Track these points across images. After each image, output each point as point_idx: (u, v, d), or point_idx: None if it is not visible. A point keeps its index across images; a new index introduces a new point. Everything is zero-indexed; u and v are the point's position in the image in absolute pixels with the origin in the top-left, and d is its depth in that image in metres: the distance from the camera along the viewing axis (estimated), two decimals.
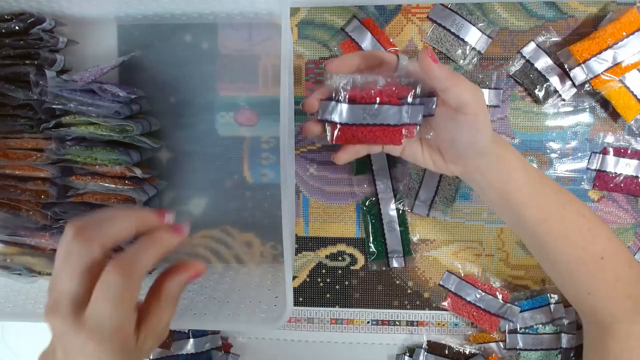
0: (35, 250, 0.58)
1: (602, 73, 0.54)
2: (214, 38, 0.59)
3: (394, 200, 0.59)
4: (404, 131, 0.41)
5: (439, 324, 0.61)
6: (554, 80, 0.57)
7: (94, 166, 0.54)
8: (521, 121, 0.59)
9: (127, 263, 0.31)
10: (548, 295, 0.58)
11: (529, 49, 0.57)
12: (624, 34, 0.53)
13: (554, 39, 0.57)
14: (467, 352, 0.60)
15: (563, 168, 0.59)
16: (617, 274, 0.44)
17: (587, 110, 0.58)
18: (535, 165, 0.59)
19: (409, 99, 0.40)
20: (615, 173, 0.57)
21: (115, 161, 0.54)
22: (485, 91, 0.57)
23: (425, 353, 0.60)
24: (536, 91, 0.57)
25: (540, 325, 0.58)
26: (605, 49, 0.53)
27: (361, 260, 0.61)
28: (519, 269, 0.60)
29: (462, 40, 0.57)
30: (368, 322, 0.62)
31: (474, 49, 0.57)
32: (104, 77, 0.55)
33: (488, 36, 0.57)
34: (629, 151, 0.57)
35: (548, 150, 0.59)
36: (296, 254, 0.62)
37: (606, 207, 0.59)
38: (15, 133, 0.55)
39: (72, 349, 0.31)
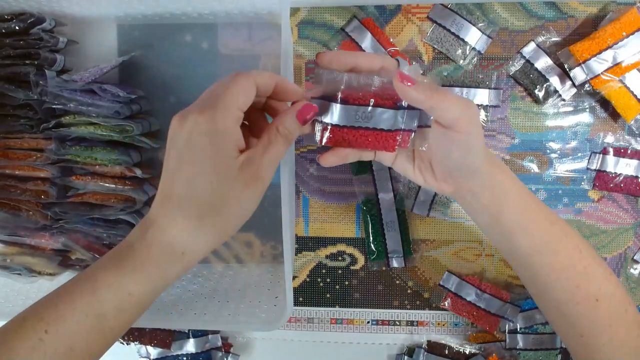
0: (35, 250, 0.58)
1: (602, 73, 0.54)
2: (214, 38, 0.59)
3: (394, 200, 0.59)
4: (398, 138, 0.38)
5: (439, 324, 0.61)
6: (554, 80, 0.57)
7: (94, 166, 0.55)
8: (521, 121, 0.59)
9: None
10: None
11: (529, 49, 0.57)
12: (624, 34, 0.53)
13: (554, 39, 0.57)
14: (467, 352, 0.60)
15: (563, 168, 0.59)
16: (611, 318, 0.40)
17: (587, 110, 0.58)
18: (535, 166, 0.59)
19: (405, 104, 0.37)
20: (615, 173, 0.57)
21: (115, 161, 0.54)
22: (485, 91, 0.57)
23: (425, 353, 0.60)
24: (536, 91, 0.57)
25: (540, 325, 0.58)
26: (605, 49, 0.53)
27: (361, 260, 0.61)
28: None
29: (462, 40, 0.57)
30: (368, 322, 0.62)
31: (474, 49, 0.57)
32: (104, 77, 0.55)
33: (488, 36, 0.57)
34: (629, 151, 0.57)
35: (548, 150, 0.59)
36: (296, 254, 0.62)
37: (606, 207, 0.59)
38: (15, 133, 0.55)
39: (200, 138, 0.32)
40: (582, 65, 0.54)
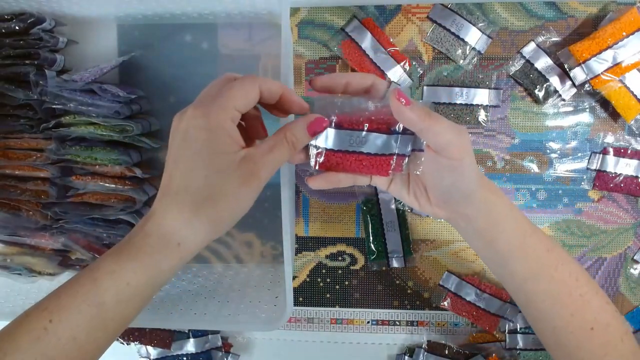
0: (35, 250, 0.58)
1: (602, 73, 0.54)
2: (214, 38, 0.59)
3: (394, 200, 0.59)
4: (391, 162, 0.38)
5: (439, 324, 0.61)
6: (554, 80, 0.57)
7: (94, 166, 0.55)
8: (521, 121, 0.59)
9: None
10: None
11: (529, 49, 0.57)
12: (624, 34, 0.53)
13: (554, 39, 0.57)
14: (467, 352, 0.60)
15: (563, 168, 0.59)
16: (606, 348, 0.39)
17: (587, 110, 0.58)
18: (535, 166, 0.59)
19: (399, 128, 0.37)
20: (615, 173, 0.57)
21: (115, 161, 0.54)
22: (485, 91, 0.57)
23: (425, 353, 0.60)
24: (536, 91, 0.57)
25: None
26: (605, 49, 0.53)
27: (361, 260, 0.61)
28: None
29: (462, 40, 0.57)
30: (368, 322, 0.62)
31: (474, 49, 0.57)
32: (104, 77, 0.55)
33: (488, 36, 0.57)
34: (629, 151, 0.57)
35: (548, 150, 0.59)
36: (296, 254, 0.62)
37: (606, 207, 0.59)
38: (15, 133, 0.55)
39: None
40: (582, 65, 0.54)
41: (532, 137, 0.59)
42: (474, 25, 0.57)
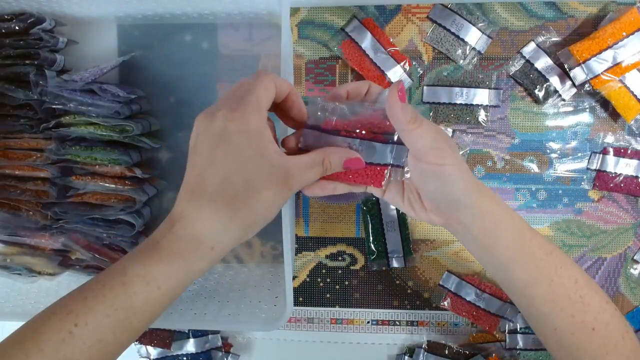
0: (35, 250, 0.58)
1: (602, 73, 0.54)
2: (214, 38, 0.59)
3: None
4: (385, 172, 0.38)
5: (439, 324, 0.61)
6: (554, 80, 0.57)
7: (94, 166, 0.55)
8: (521, 121, 0.59)
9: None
10: None
11: (529, 49, 0.57)
12: (624, 34, 0.53)
13: (554, 39, 0.57)
14: (467, 352, 0.60)
15: (563, 168, 0.59)
16: (607, 347, 0.40)
17: (587, 110, 0.58)
18: (535, 166, 0.59)
19: (395, 138, 0.37)
20: (615, 173, 0.57)
21: (115, 161, 0.54)
22: (485, 91, 0.57)
23: (425, 353, 0.60)
24: (536, 91, 0.57)
25: None
26: (605, 49, 0.53)
27: (361, 260, 0.61)
28: None
29: (462, 40, 0.57)
30: (368, 322, 0.62)
31: (474, 49, 0.57)
32: (104, 77, 0.55)
33: (488, 36, 0.57)
34: (629, 151, 0.57)
35: (548, 150, 0.59)
36: (296, 254, 0.62)
37: (606, 207, 0.59)
38: (15, 133, 0.55)
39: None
40: (582, 65, 0.54)
41: (532, 137, 0.59)
42: (474, 25, 0.57)
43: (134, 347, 0.63)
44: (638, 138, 0.58)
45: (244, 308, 0.52)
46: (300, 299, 0.62)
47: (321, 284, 0.62)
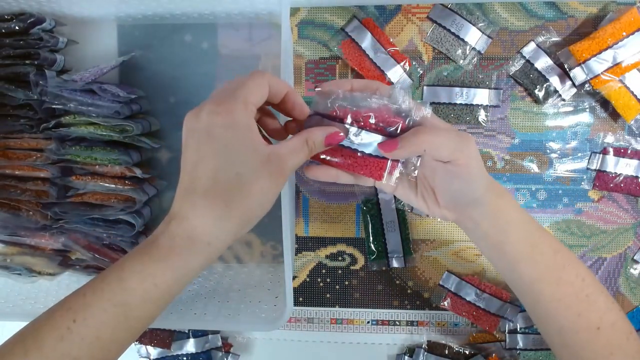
0: (35, 250, 0.58)
1: (602, 73, 0.54)
2: (214, 38, 0.59)
3: (394, 200, 0.59)
4: (386, 166, 0.38)
5: (439, 324, 0.61)
6: (554, 80, 0.57)
7: (94, 166, 0.55)
8: (521, 121, 0.59)
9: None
10: None
11: (529, 49, 0.57)
12: (624, 34, 0.53)
13: (554, 39, 0.57)
14: (467, 352, 0.60)
15: (563, 168, 0.59)
16: (612, 346, 0.40)
17: (587, 110, 0.58)
18: (535, 166, 0.59)
19: (396, 131, 0.37)
20: (615, 173, 0.57)
21: (115, 161, 0.54)
22: (485, 91, 0.57)
23: (425, 353, 0.60)
24: (536, 91, 0.57)
25: None
26: (605, 49, 0.53)
27: (361, 260, 0.61)
28: None
29: (462, 40, 0.57)
30: (368, 322, 0.62)
31: (474, 49, 0.57)
32: (104, 77, 0.55)
33: (488, 36, 0.57)
34: (629, 151, 0.57)
35: (548, 150, 0.59)
36: (296, 254, 0.62)
37: (606, 207, 0.59)
38: (15, 133, 0.55)
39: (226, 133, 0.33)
40: (582, 65, 0.54)
41: (532, 137, 0.59)
42: (474, 25, 0.57)
43: (134, 347, 0.63)
44: (638, 138, 0.58)
45: (244, 308, 0.52)
46: (300, 299, 0.62)
47: (321, 284, 0.62)
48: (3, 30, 0.52)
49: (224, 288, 0.57)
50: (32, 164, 0.54)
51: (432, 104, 0.59)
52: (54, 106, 0.52)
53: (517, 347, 0.59)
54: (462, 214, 0.40)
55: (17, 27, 0.52)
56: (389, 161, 0.38)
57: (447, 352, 0.60)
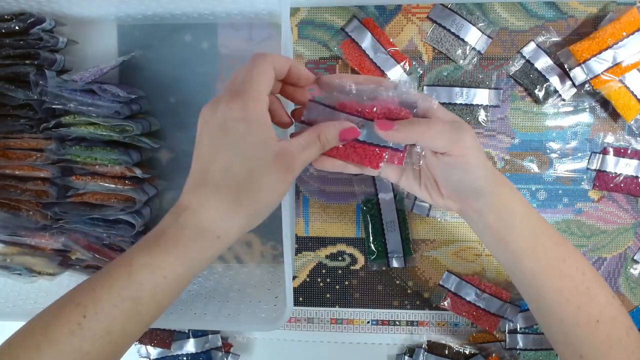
0: (35, 250, 0.58)
1: (602, 73, 0.54)
2: (214, 38, 0.59)
3: (394, 200, 0.59)
4: (384, 155, 0.38)
5: (439, 324, 0.61)
6: (554, 80, 0.57)
7: (94, 166, 0.55)
8: (521, 121, 0.59)
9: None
10: None
11: (529, 49, 0.57)
12: (624, 34, 0.53)
13: (554, 39, 0.57)
14: (467, 352, 0.60)
15: (563, 168, 0.59)
16: (611, 340, 0.40)
17: (587, 110, 0.58)
18: (535, 166, 0.59)
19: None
20: (615, 173, 0.57)
21: (115, 161, 0.54)
22: (485, 91, 0.57)
23: (425, 353, 0.60)
24: (536, 91, 0.57)
25: None
26: (605, 49, 0.53)
27: (361, 260, 0.61)
28: None
29: (462, 40, 0.57)
30: (368, 322, 0.62)
31: (474, 49, 0.57)
32: (104, 77, 0.55)
33: (488, 36, 0.57)
34: (629, 151, 0.57)
35: (548, 150, 0.59)
36: (296, 254, 0.62)
37: (606, 207, 0.59)
38: (15, 133, 0.55)
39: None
40: (582, 65, 0.54)
41: (532, 137, 0.59)
42: (474, 25, 0.57)
43: (134, 347, 0.63)
44: (638, 138, 0.58)
45: (244, 308, 0.52)
46: (300, 299, 0.62)
47: (321, 284, 0.62)
48: (3, 30, 0.52)
49: (224, 288, 0.57)
50: (32, 164, 0.54)
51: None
52: (54, 106, 0.52)
53: (517, 347, 0.59)
54: (465, 204, 0.41)
55: (17, 27, 0.52)
56: (388, 150, 0.38)
57: (447, 352, 0.60)
